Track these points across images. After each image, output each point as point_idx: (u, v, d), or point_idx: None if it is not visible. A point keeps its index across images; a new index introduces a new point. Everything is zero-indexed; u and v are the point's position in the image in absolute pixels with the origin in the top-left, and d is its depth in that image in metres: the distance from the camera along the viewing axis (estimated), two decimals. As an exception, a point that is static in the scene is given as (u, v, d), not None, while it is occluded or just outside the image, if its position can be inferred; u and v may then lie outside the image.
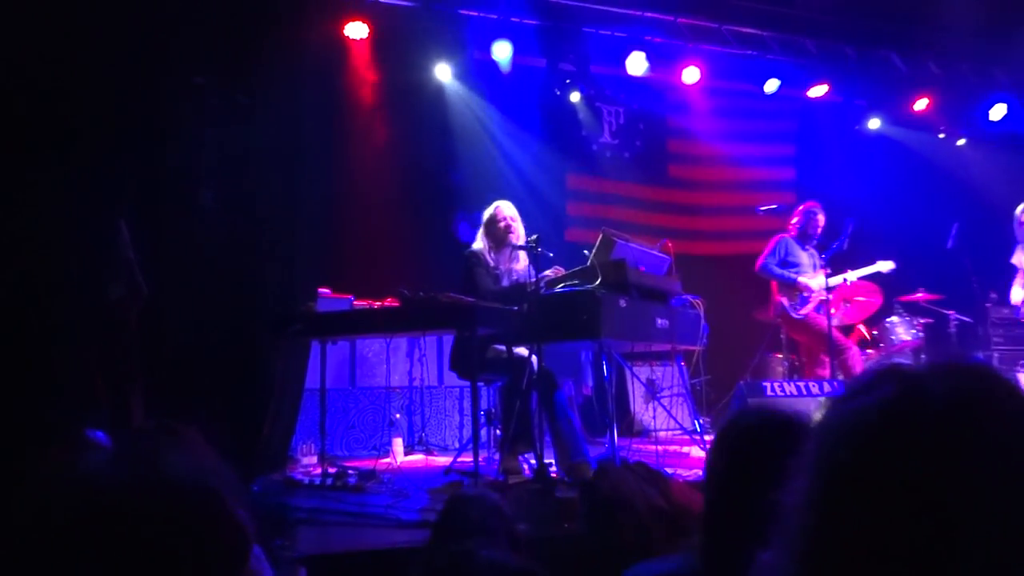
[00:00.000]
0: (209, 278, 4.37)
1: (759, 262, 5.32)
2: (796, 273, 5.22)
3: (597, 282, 3.45)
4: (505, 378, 3.84)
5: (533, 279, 3.50)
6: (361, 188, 5.71)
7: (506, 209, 3.99)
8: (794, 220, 5.39)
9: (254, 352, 4.26)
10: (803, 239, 5.29)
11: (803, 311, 5.18)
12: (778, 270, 5.25)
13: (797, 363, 5.79)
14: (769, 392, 3.94)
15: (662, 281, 4.01)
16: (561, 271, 3.73)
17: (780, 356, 5.86)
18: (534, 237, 3.54)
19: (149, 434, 1.59)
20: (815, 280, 5.10)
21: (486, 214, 4.02)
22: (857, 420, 0.66)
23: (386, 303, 4.71)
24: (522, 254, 3.97)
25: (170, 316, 4.05)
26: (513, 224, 3.94)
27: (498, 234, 3.93)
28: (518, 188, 6.30)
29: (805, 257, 5.26)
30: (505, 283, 3.94)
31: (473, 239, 4.03)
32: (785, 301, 5.25)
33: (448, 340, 4.66)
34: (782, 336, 5.69)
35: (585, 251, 3.72)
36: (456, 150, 6.28)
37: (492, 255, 3.94)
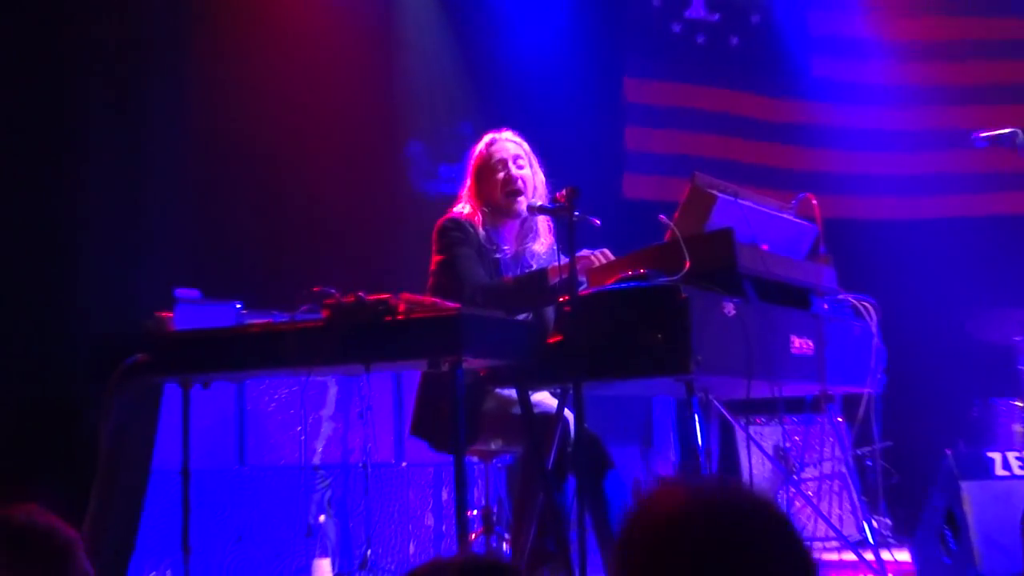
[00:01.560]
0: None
1: None
2: None
3: (683, 271, 3.44)
4: (518, 449, 3.85)
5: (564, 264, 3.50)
6: (252, 114, 5.73)
7: (510, 146, 4.01)
8: None
9: (62, 406, 4.26)
10: None
11: None
12: None
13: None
14: (1000, 469, 3.94)
15: (801, 269, 4.01)
16: (607, 255, 3.72)
17: (1021, 404, 5.84)
18: (567, 191, 3.53)
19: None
20: None
21: (475, 156, 4.06)
22: None
23: (300, 314, 4.72)
24: (542, 223, 3.99)
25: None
26: (527, 176, 3.96)
27: (498, 192, 3.96)
28: (532, 103, 6.29)
29: None
30: (513, 274, 3.95)
31: (444, 188, 4.04)
32: None
33: (411, 381, 4.66)
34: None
35: (661, 215, 3.71)
36: (418, 41, 6.30)
37: (487, 227, 3.97)
